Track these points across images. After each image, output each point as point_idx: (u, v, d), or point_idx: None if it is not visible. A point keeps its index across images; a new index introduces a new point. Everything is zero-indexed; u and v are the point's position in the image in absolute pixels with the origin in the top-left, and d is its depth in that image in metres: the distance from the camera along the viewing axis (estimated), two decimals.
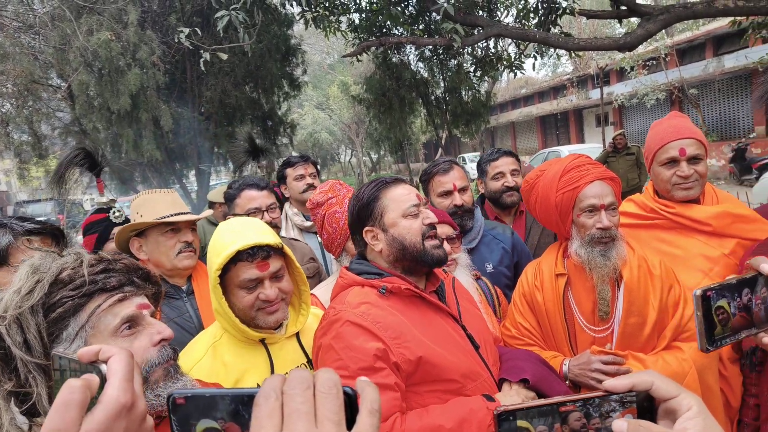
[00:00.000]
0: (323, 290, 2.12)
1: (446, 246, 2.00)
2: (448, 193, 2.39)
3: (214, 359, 1.48)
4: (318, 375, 0.53)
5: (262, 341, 1.54)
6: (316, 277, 2.55)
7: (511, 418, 0.60)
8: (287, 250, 1.57)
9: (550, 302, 1.90)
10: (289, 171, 3.02)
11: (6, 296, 0.84)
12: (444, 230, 2.04)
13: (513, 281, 2.32)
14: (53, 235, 1.72)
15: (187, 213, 2.07)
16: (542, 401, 0.61)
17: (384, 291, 1.48)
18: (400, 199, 1.55)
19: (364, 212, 1.58)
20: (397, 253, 1.53)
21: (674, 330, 1.81)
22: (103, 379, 0.60)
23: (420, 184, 2.70)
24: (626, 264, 1.83)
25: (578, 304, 1.88)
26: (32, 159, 15.03)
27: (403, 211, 1.53)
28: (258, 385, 1.48)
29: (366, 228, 1.58)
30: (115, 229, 2.11)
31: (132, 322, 0.92)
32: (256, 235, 1.49)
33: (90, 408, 0.57)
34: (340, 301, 1.50)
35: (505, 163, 2.77)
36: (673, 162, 2.02)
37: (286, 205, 3.05)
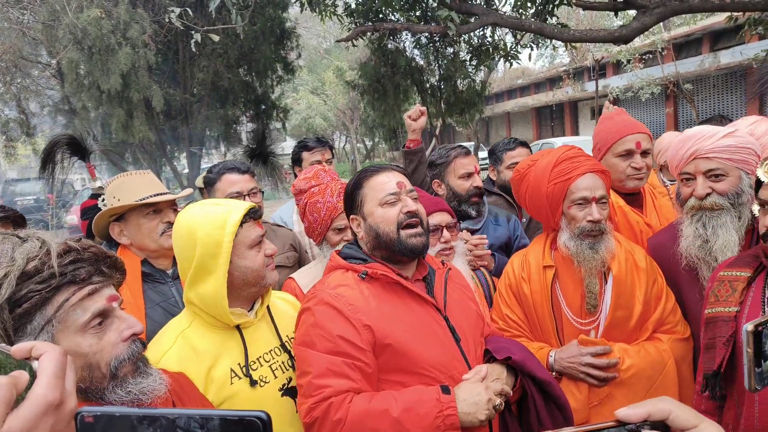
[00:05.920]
0: (302, 274, 2.10)
1: (446, 234, 2.02)
2: (469, 175, 2.48)
3: (184, 347, 1.46)
4: None
5: (237, 326, 1.53)
6: (296, 266, 2.50)
7: None
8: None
9: (537, 294, 1.90)
10: (305, 155, 2.98)
11: None
12: (443, 218, 2.03)
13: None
14: (15, 222, 1.65)
15: (166, 193, 2.03)
16: None
17: (364, 276, 1.50)
18: (378, 187, 1.57)
19: (349, 201, 1.64)
20: (373, 242, 1.56)
21: (655, 323, 1.85)
22: (34, 376, 0.59)
23: (410, 171, 2.72)
24: (614, 257, 1.84)
25: (566, 297, 1.89)
26: (20, 137, 14.80)
27: (380, 199, 1.55)
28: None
29: (351, 216, 1.63)
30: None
31: (102, 317, 0.89)
32: (240, 202, 1.57)
33: (17, 405, 0.57)
34: (321, 282, 1.57)
35: (520, 154, 2.86)
36: (628, 154, 2.16)
37: None
